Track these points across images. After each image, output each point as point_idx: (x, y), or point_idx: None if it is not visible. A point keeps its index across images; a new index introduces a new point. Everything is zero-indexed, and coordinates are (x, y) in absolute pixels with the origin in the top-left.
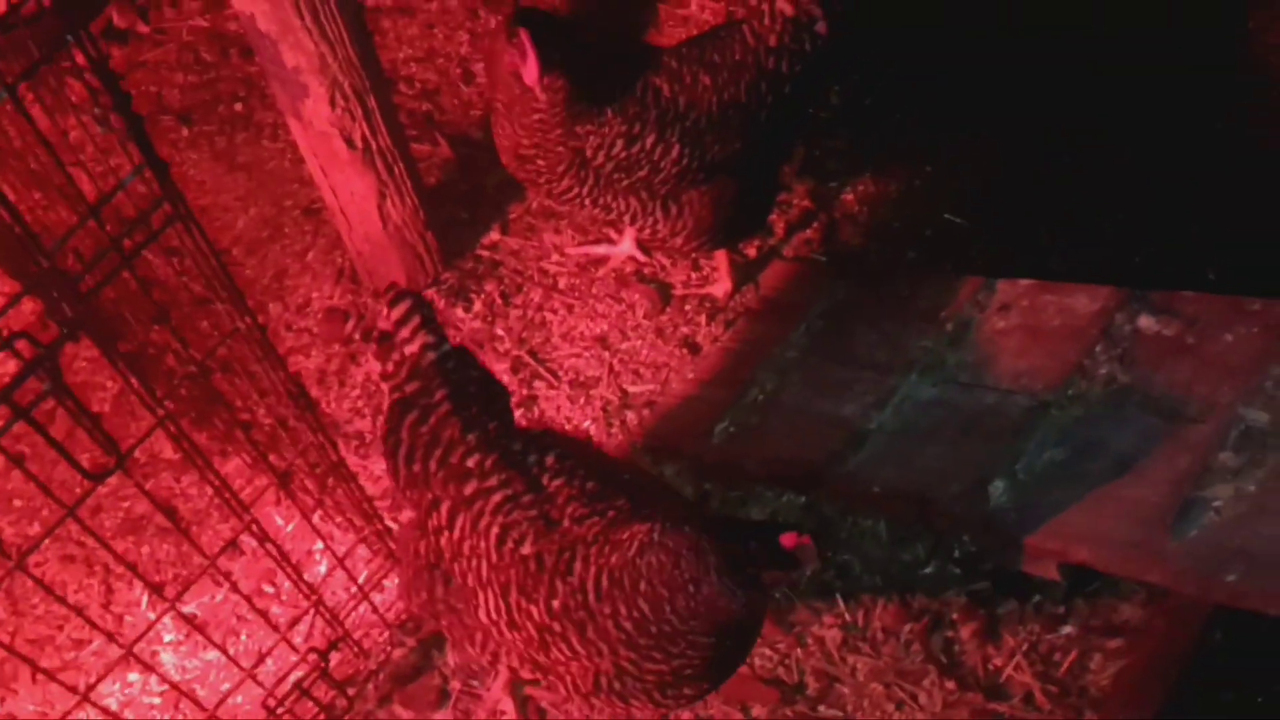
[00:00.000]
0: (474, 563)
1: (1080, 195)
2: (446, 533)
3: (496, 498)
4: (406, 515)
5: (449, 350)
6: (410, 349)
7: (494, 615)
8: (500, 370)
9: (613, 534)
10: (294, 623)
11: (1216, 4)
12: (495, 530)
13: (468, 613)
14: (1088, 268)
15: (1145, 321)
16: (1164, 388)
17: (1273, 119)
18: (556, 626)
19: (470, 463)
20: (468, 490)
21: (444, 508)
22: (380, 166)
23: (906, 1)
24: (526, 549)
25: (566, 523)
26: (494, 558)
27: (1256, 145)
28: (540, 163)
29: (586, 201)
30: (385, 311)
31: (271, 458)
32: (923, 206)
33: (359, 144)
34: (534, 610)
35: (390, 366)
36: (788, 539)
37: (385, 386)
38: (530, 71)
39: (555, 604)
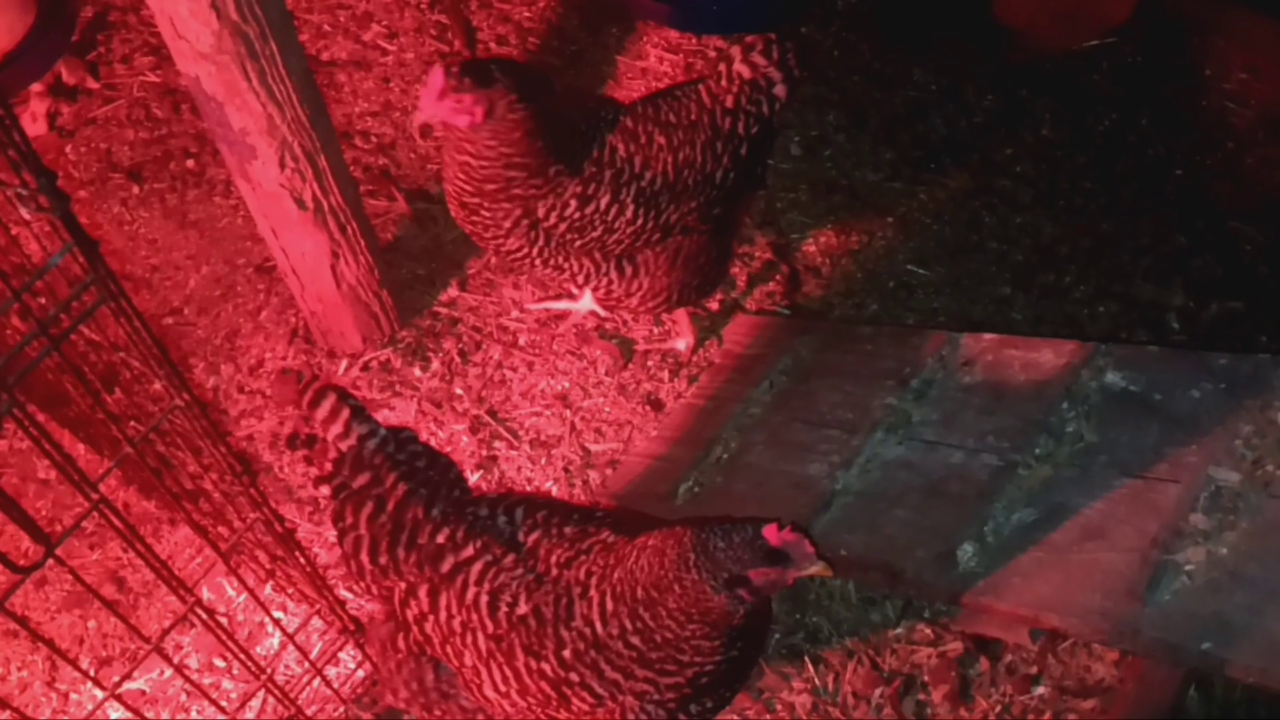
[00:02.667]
0: (469, 638)
1: (1042, 246)
2: (431, 617)
3: (478, 566)
4: (373, 611)
5: (387, 434)
6: (347, 443)
7: (503, 687)
8: (459, 430)
9: (608, 559)
10: (245, 700)
11: (1171, 51)
12: (485, 599)
13: (468, 694)
14: (1051, 320)
15: (1111, 378)
16: (1131, 447)
17: (1228, 169)
18: (574, 676)
19: (441, 538)
20: (445, 567)
21: (423, 591)
22: (333, 226)
23: (867, 58)
24: (522, 608)
25: (555, 571)
26: (490, 627)
27: (1210, 195)
28: (485, 214)
29: (537, 262)
30: (306, 414)
31: (221, 527)
32: (885, 258)
33: (310, 204)
34: (546, 667)
35: (329, 466)
36: (769, 532)
37: (326, 489)
38: (435, 106)
39: (566, 654)
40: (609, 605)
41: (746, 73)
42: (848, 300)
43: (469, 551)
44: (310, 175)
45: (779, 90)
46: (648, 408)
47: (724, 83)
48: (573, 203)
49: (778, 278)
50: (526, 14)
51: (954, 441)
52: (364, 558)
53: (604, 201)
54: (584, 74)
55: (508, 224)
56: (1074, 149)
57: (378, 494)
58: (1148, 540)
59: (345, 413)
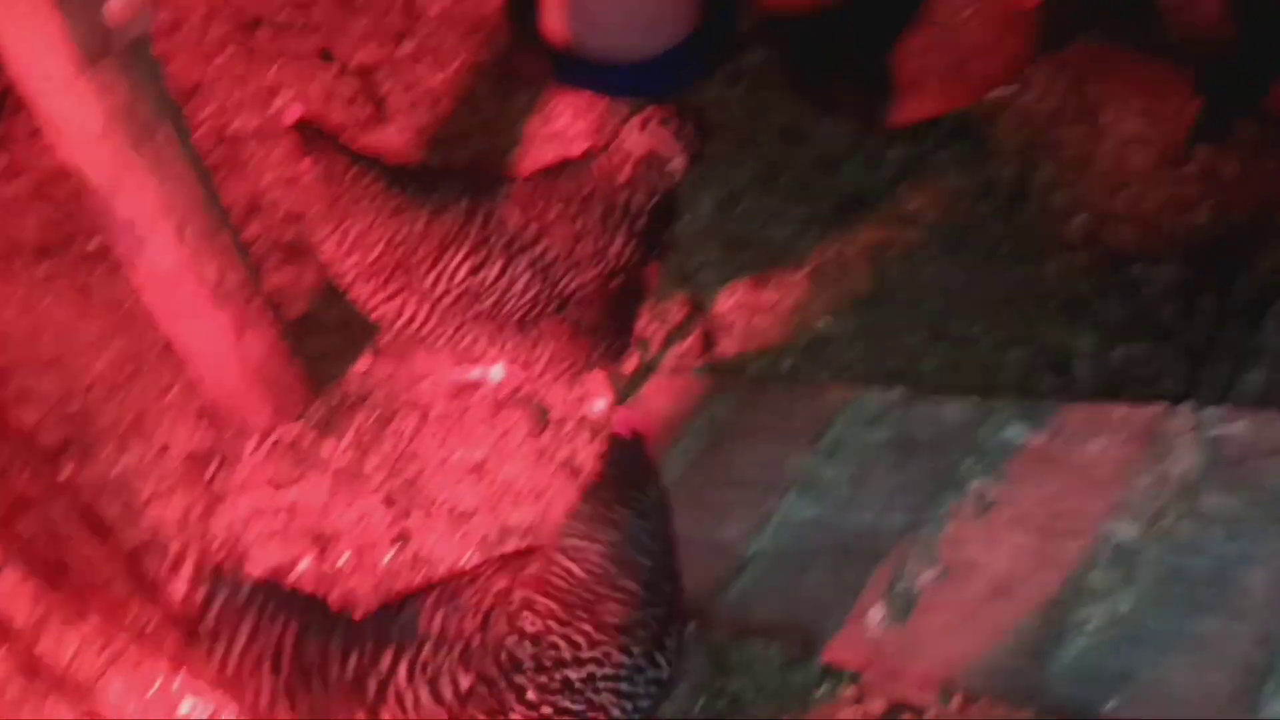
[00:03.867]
0: None
1: (952, 295)
2: None
3: (402, 671)
4: None
5: (255, 588)
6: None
7: None
8: (373, 505)
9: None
10: None
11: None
12: (425, 695)
13: None
14: (963, 368)
15: (1012, 432)
16: (1034, 502)
17: (1130, 212)
18: (546, 710)
19: (352, 665)
20: (371, 690)
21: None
22: (234, 305)
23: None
24: (464, 682)
25: (477, 636)
26: (448, 713)
27: (1113, 239)
28: (360, 285)
29: (429, 330)
30: (173, 597)
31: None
32: (798, 312)
33: (210, 284)
34: (516, 718)
35: (209, 659)
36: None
37: (214, 683)
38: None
39: (530, 696)
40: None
41: (643, 146)
42: (763, 356)
43: (386, 663)
44: (208, 255)
45: (677, 163)
46: (566, 474)
47: (620, 156)
48: (462, 270)
49: (693, 337)
50: (437, 80)
51: (864, 500)
52: None
53: (495, 270)
54: (497, 139)
55: (379, 296)
56: (980, 197)
57: (274, 652)
58: (1051, 598)
59: (204, 595)
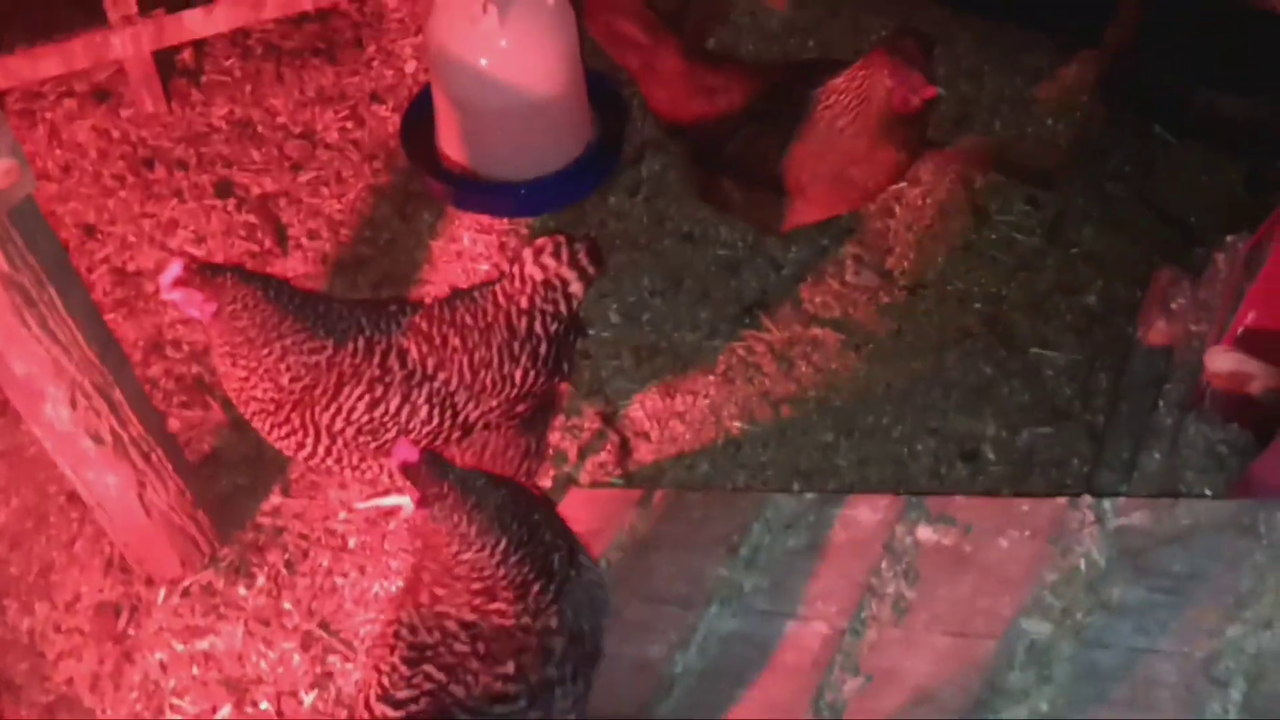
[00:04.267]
0: None
1: (858, 390)
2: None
3: None
4: None
5: None
6: None
7: None
8: (290, 648)
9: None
10: None
11: (956, 191)
12: None
13: None
14: (875, 461)
15: (924, 532)
16: (949, 604)
17: (1023, 297)
18: None
19: None
20: None
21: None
22: (135, 456)
23: (676, 222)
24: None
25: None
26: None
27: (1009, 324)
28: (260, 420)
29: (331, 464)
30: None
31: None
32: (710, 416)
33: (108, 439)
34: None
35: None
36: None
37: None
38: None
39: None
40: None
41: (539, 274)
42: (679, 463)
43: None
44: (105, 410)
45: (574, 289)
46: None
47: (517, 284)
48: (359, 405)
49: (608, 447)
50: (337, 206)
51: (785, 609)
52: None
53: (394, 403)
54: (398, 262)
55: (283, 427)
56: (879, 291)
57: None
58: (972, 701)
59: None
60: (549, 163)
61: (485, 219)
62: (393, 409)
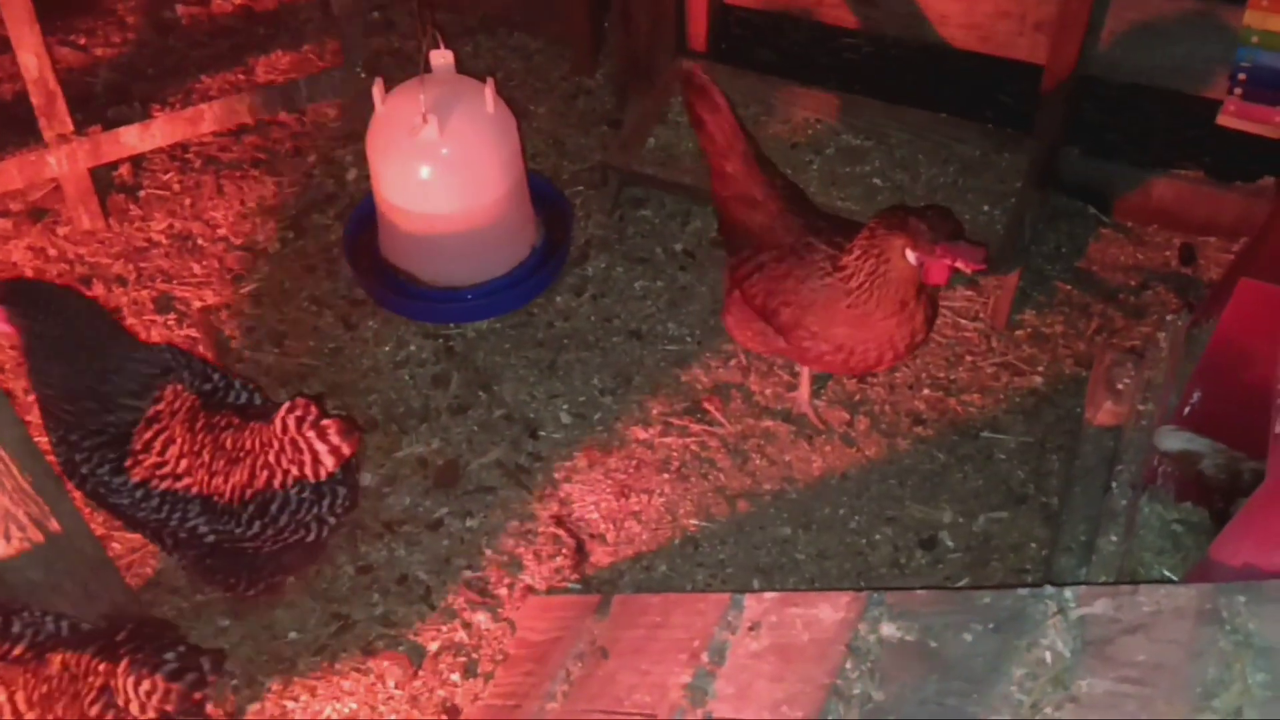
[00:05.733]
0: None
1: (813, 481)
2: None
3: None
4: None
5: None
6: None
7: None
8: None
9: None
10: None
11: None
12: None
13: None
14: (833, 553)
15: (887, 629)
16: (915, 701)
17: (971, 381)
18: None
19: None
20: None
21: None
22: (70, 588)
23: (624, 319)
24: None
25: None
26: None
27: (958, 408)
28: None
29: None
30: None
31: None
32: (667, 514)
33: (42, 574)
34: None
35: None
36: None
37: None
38: None
39: None
40: None
41: (286, 434)
42: (636, 564)
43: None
44: (41, 541)
45: (325, 460)
46: (444, 717)
47: (273, 435)
48: (105, 467)
49: (564, 551)
50: (279, 318)
51: (750, 716)
52: None
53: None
54: (344, 370)
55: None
56: (826, 381)
57: None
58: None
59: None
60: (494, 267)
61: (432, 326)
62: (129, 484)
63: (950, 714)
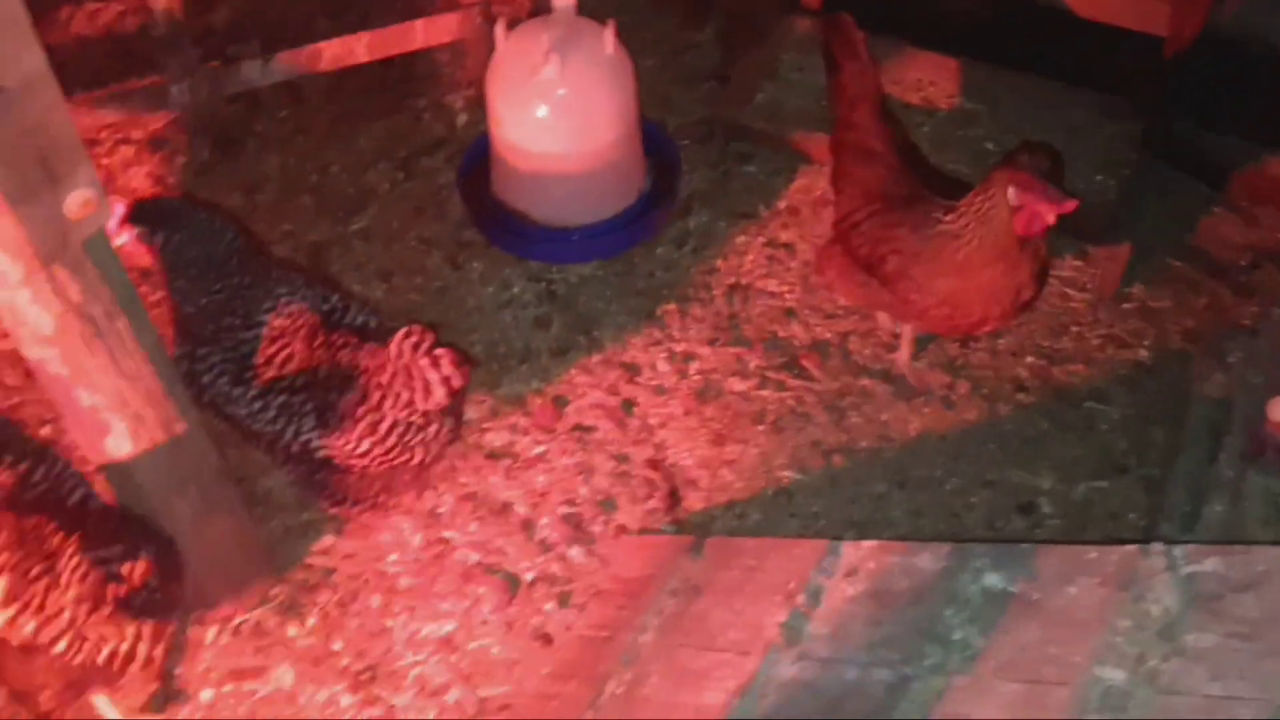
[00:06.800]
0: None
1: (910, 441)
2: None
3: None
4: None
5: None
6: None
7: None
8: (339, 690)
9: None
10: None
11: None
12: None
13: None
14: (929, 513)
15: (990, 579)
16: (1018, 650)
17: (1077, 349)
18: None
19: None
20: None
21: None
22: (194, 491)
23: (722, 274)
24: None
25: None
26: None
27: (1064, 376)
28: None
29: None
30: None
31: None
32: (761, 465)
33: (169, 474)
34: None
35: None
36: None
37: None
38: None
39: None
40: None
41: (401, 358)
42: (729, 511)
43: None
44: (167, 444)
45: (436, 393)
46: (537, 644)
47: (388, 357)
48: (224, 378)
49: (658, 495)
50: (386, 257)
51: (847, 656)
52: None
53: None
54: (449, 309)
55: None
56: (928, 344)
57: None
58: None
59: None
60: (602, 210)
61: (534, 267)
62: (248, 396)
63: (1052, 662)
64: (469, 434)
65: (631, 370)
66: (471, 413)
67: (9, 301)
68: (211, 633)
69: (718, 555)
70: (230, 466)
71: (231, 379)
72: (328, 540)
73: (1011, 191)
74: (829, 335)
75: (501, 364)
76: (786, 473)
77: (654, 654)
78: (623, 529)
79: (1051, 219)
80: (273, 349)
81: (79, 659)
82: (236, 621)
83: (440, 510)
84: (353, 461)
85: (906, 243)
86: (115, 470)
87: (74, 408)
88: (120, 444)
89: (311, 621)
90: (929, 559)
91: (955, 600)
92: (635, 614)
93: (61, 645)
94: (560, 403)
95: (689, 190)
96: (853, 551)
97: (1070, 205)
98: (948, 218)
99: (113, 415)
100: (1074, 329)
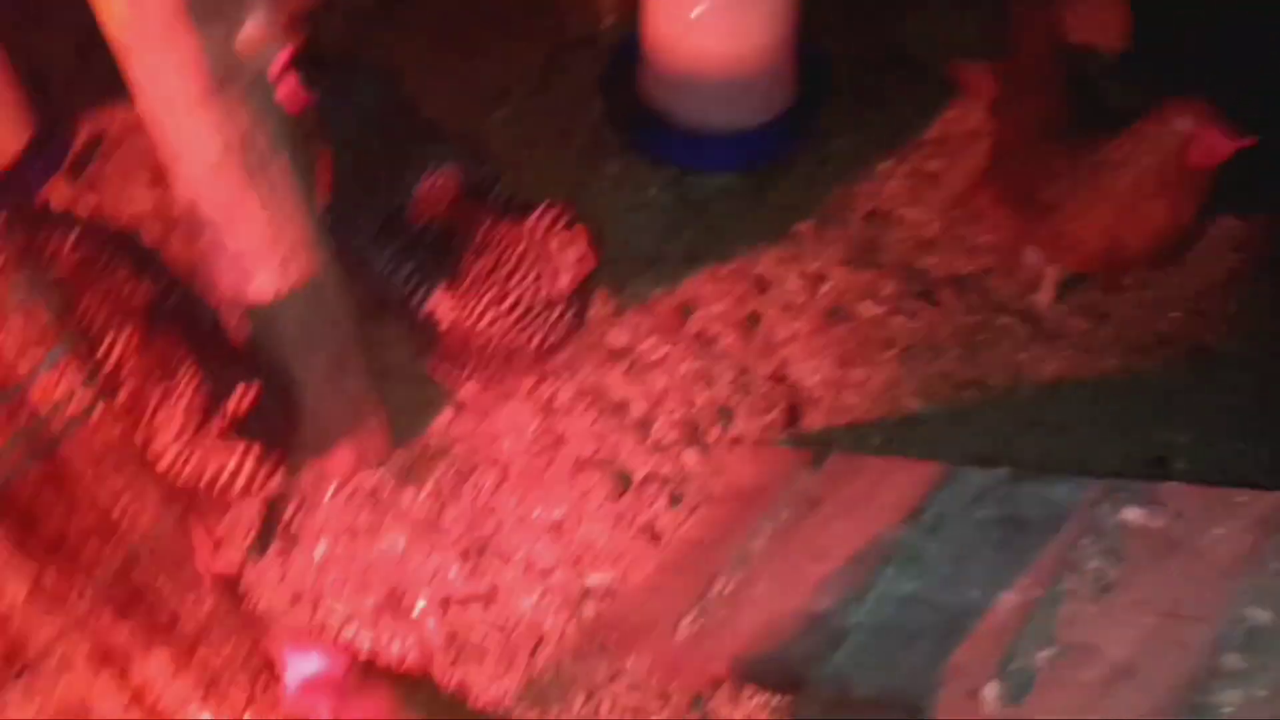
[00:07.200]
0: None
1: (1045, 383)
2: None
3: None
4: None
5: None
6: None
7: None
8: (449, 558)
9: None
10: None
11: None
12: None
13: None
14: (1058, 457)
15: (1131, 514)
16: (1155, 585)
17: (1220, 316)
18: None
19: None
20: None
21: None
22: (330, 344)
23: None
24: None
25: None
26: None
27: (1205, 334)
28: None
29: None
30: None
31: (201, 651)
32: (887, 391)
33: (311, 319)
34: None
35: None
36: None
37: None
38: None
39: None
40: None
41: (533, 236)
42: (850, 434)
43: None
44: (309, 289)
45: (562, 278)
46: (645, 539)
47: (522, 234)
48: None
49: (778, 409)
50: (526, 150)
51: (970, 577)
52: None
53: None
54: (583, 207)
55: None
56: (1073, 288)
57: None
58: (1181, 681)
59: None
60: (747, 118)
61: (672, 173)
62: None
63: (1192, 599)
64: (591, 331)
65: (760, 284)
66: (596, 310)
67: (177, 128)
68: (330, 490)
69: (839, 470)
70: (361, 333)
71: (374, 235)
72: (446, 418)
73: (1188, 120)
74: (969, 269)
75: (630, 266)
76: (912, 402)
77: (765, 559)
78: (739, 439)
79: (1228, 151)
80: (417, 210)
81: (186, 473)
82: (355, 482)
83: (557, 402)
84: (475, 333)
85: (1066, 170)
86: (257, 315)
87: (225, 247)
88: (265, 286)
89: (426, 491)
90: (1065, 490)
91: (1091, 531)
92: (748, 520)
93: (168, 457)
94: (686, 310)
95: (836, 112)
96: (982, 478)
97: (1250, 140)
98: (1111, 146)
99: (260, 258)
100: (1226, 287)
